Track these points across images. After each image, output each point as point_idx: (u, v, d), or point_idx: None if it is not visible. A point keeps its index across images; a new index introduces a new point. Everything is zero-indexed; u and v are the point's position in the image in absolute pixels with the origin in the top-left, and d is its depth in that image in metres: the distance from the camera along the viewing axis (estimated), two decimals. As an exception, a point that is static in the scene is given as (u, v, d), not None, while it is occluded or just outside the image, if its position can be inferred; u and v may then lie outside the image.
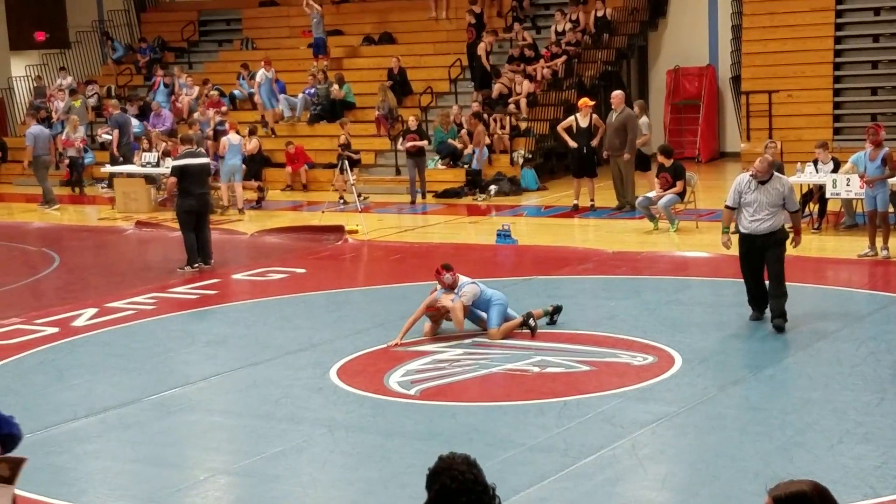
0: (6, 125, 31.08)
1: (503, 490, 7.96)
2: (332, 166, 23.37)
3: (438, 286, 12.22)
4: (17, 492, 8.49)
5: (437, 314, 12.16)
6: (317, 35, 28.14)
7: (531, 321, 12.11)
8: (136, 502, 8.18)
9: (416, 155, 22.06)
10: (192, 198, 16.23)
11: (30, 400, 10.79)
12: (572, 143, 20.52)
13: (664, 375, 10.54)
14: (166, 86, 28.45)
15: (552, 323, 12.41)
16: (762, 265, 11.93)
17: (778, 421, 9.23)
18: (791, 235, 12.30)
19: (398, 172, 24.47)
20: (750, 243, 11.89)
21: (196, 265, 16.31)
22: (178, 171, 16.17)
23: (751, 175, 11.84)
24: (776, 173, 11.98)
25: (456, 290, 12.09)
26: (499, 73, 25.46)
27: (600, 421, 9.36)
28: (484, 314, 12.15)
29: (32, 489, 8.45)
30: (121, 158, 24.65)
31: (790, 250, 12.40)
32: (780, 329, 11.71)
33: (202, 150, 18.08)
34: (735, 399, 9.84)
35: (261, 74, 23.42)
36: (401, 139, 22.64)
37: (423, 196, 22.33)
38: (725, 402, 9.75)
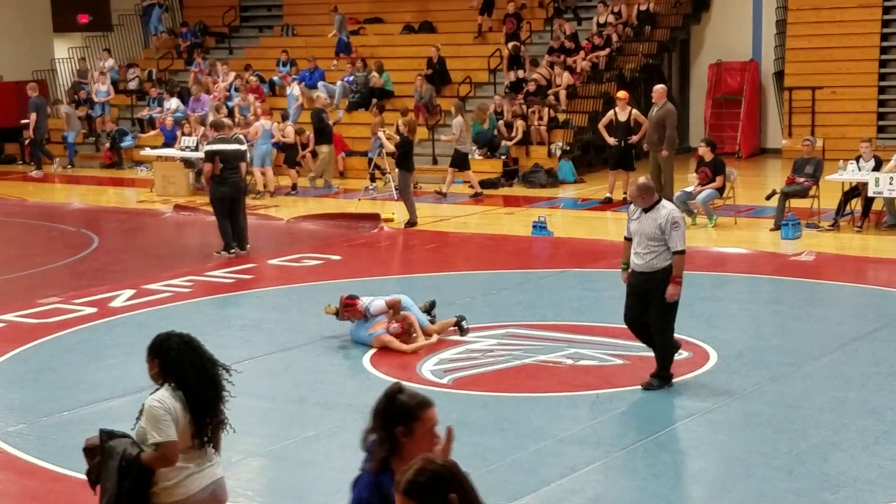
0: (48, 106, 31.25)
1: (534, 481, 7.99)
2: (365, 154, 23.46)
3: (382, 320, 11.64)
4: (54, 468, 8.60)
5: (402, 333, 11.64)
6: (340, 36, 28.22)
7: (464, 323, 11.90)
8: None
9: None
10: (226, 184, 16.26)
11: (67, 378, 10.88)
12: (611, 141, 20.40)
13: (699, 371, 10.49)
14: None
15: (462, 330, 11.88)
16: (644, 310, 9.99)
17: (813, 419, 9.17)
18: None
19: (435, 162, 24.46)
20: (631, 280, 10.08)
21: (232, 251, 16.37)
22: (211, 156, 16.20)
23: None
24: (665, 202, 10.04)
25: (373, 314, 11.58)
26: (537, 64, 25.39)
27: (633, 415, 9.34)
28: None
29: (67, 466, 8.53)
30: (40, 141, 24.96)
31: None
32: (647, 387, 9.94)
33: (240, 135, 18.10)
34: (770, 396, 9.78)
35: (258, 125, 22.74)
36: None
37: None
38: (760, 399, 9.69)
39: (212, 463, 5.59)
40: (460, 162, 21.86)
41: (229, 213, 16.45)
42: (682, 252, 9.83)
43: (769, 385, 10.07)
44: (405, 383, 4.69)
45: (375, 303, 11.63)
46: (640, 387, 9.92)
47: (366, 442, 4.48)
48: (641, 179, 10.24)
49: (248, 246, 16.73)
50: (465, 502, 3.72)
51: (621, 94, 21.00)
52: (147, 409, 5.42)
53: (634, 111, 20.50)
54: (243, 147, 17.10)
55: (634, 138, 20.26)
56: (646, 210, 9.90)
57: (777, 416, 9.29)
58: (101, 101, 28.69)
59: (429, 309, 12.13)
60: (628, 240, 10.11)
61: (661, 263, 9.80)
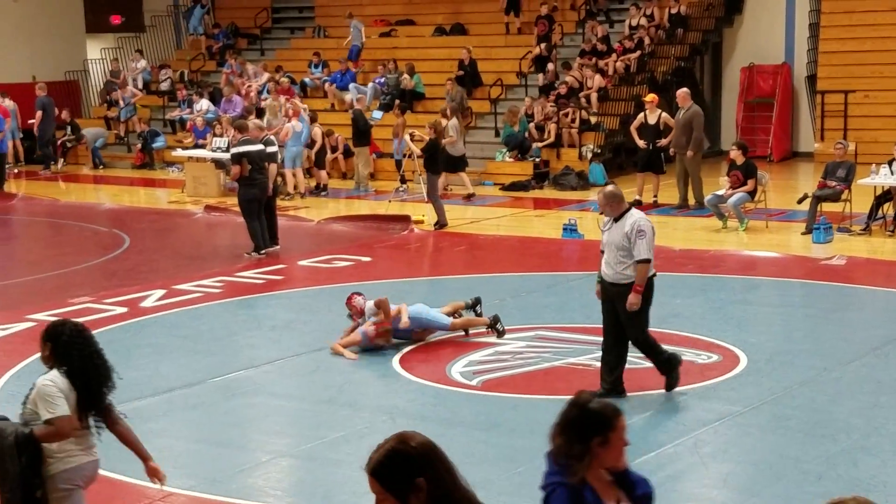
0: (80, 107, 31.48)
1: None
2: (389, 155, 23.54)
3: (360, 319, 11.61)
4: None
5: (384, 336, 11.58)
6: (354, 43, 28.24)
7: (499, 326, 11.86)
8: (198, 481, 8.26)
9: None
10: (255, 186, 16.32)
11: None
12: (641, 143, 20.35)
13: (729, 374, 10.45)
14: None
15: (498, 333, 11.84)
16: (617, 320, 9.85)
17: (844, 424, 9.11)
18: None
19: (466, 164, 24.45)
20: (604, 291, 9.92)
21: (263, 252, 16.43)
22: (238, 158, 16.23)
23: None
24: (634, 211, 9.89)
25: (367, 314, 11.56)
26: (569, 66, 25.37)
27: (662, 418, 9.31)
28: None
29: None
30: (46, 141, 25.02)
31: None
32: (669, 388, 9.95)
33: (271, 136, 18.15)
34: (800, 400, 9.73)
35: (288, 126, 22.77)
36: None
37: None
38: (790, 404, 9.64)
39: (90, 446, 6.07)
40: (455, 164, 21.89)
41: (259, 213, 16.53)
42: (647, 261, 9.58)
43: (799, 389, 10.01)
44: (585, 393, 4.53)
45: (369, 303, 11.62)
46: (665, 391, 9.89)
47: (556, 455, 4.31)
48: (609, 188, 10.09)
49: (279, 245, 16.82)
50: (437, 487, 3.59)
51: (650, 97, 20.95)
52: (39, 388, 5.81)
53: (664, 114, 20.43)
54: (274, 148, 17.15)
55: (663, 142, 20.18)
56: (616, 220, 9.72)
57: (807, 420, 9.24)
58: (123, 106, 28.74)
59: (473, 306, 12.19)
60: (602, 251, 9.90)
61: (629, 275, 9.60)
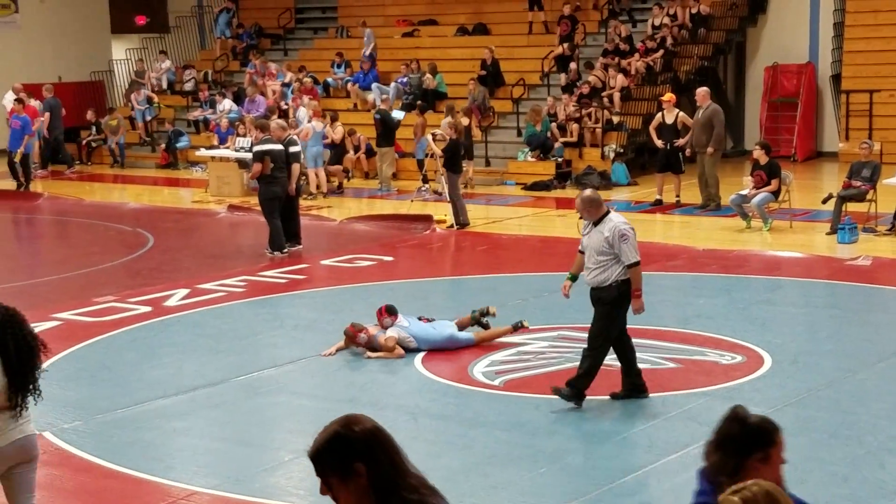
0: (105, 107, 31.61)
1: (585, 484, 7.96)
2: (409, 155, 23.56)
3: (373, 325, 11.56)
4: (108, 465, 8.69)
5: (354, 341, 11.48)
6: (366, 52, 28.25)
7: (487, 323, 11.80)
8: (221, 480, 8.29)
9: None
10: (277, 184, 16.37)
11: (122, 376, 11.00)
12: (659, 143, 20.31)
13: (753, 375, 10.41)
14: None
15: (484, 327, 11.85)
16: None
17: (869, 426, 9.06)
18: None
19: (488, 164, 24.47)
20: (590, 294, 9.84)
21: (285, 250, 16.46)
22: (260, 156, 16.27)
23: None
24: (612, 215, 9.77)
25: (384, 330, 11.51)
26: (592, 66, 25.33)
27: (685, 419, 9.28)
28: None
29: (121, 463, 8.62)
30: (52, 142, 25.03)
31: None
32: (556, 392, 9.68)
33: (294, 136, 18.18)
34: (825, 402, 9.68)
35: (309, 126, 22.86)
36: None
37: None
38: (815, 405, 9.59)
39: (23, 420, 6.26)
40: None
41: (281, 213, 16.60)
42: (636, 264, 9.49)
43: (824, 390, 9.96)
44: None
45: (390, 331, 11.44)
46: (609, 397, 9.74)
47: (711, 473, 4.22)
48: (586, 192, 9.99)
49: (301, 245, 16.87)
50: (377, 473, 3.58)
51: (667, 96, 20.90)
52: None
53: (681, 114, 20.39)
54: (297, 148, 17.20)
55: (680, 141, 20.14)
56: (595, 224, 9.63)
57: (832, 421, 9.19)
58: (141, 109, 28.75)
59: (479, 318, 12.01)
60: (582, 252, 9.78)
61: (609, 278, 9.49)
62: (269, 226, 16.55)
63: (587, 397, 9.78)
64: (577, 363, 9.67)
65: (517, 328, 11.77)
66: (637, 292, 9.52)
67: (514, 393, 10.07)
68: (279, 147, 16.48)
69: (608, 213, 9.75)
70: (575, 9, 27.07)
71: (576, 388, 9.58)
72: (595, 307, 9.66)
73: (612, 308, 9.53)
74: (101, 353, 11.74)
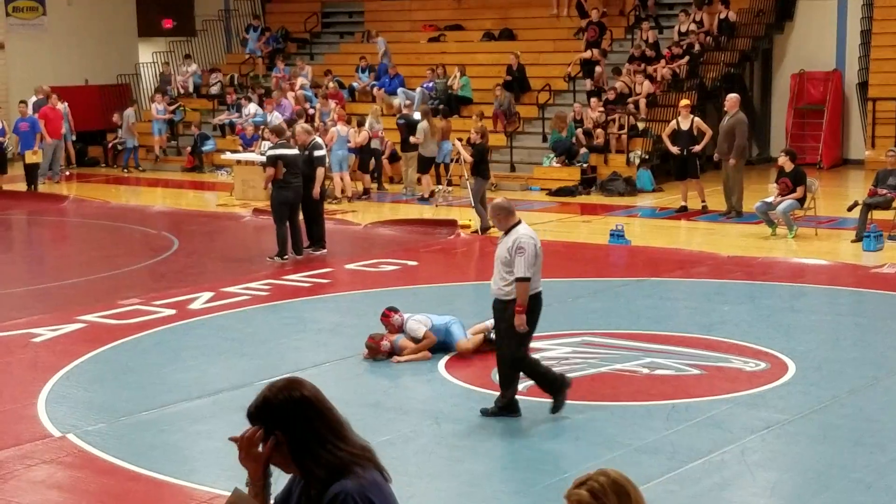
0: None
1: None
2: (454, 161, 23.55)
3: (387, 332, 11.57)
4: (132, 467, 8.73)
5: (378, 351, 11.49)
6: (383, 62, 28.29)
7: (492, 335, 11.38)
8: (244, 484, 8.29)
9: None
10: (290, 189, 16.38)
11: (146, 379, 11.04)
12: (674, 150, 20.25)
13: (777, 382, 10.38)
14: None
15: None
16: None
17: (893, 433, 9.03)
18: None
19: (513, 169, 24.48)
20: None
21: (287, 257, 16.48)
22: (274, 161, 16.27)
23: None
24: (521, 226, 9.45)
25: (404, 331, 11.54)
26: (619, 72, 25.30)
27: (709, 425, 9.25)
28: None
29: (145, 466, 8.65)
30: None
31: None
32: (483, 412, 9.57)
33: (318, 139, 18.21)
34: (849, 409, 9.64)
35: (334, 131, 22.94)
36: None
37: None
38: (839, 412, 9.55)
39: None
40: (425, 166, 22.28)
41: (305, 217, 16.65)
42: (525, 279, 9.19)
43: (848, 398, 9.92)
44: None
45: (411, 322, 11.50)
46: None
47: None
48: (496, 200, 9.82)
49: (325, 250, 16.92)
50: (296, 444, 3.64)
51: (684, 102, 20.85)
52: None
53: (697, 119, 20.35)
54: (322, 152, 17.25)
55: (697, 148, 20.10)
56: (506, 233, 9.43)
57: (856, 429, 9.15)
58: (159, 118, 28.64)
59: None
60: None
61: (508, 293, 9.28)
62: (277, 231, 16.53)
63: (608, 403, 9.77)
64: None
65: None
66: (520, 308, 9.25)
67: (537, 398, 10.05)
68: (293, 152, 16.52)
69: (518, 223, 9.51)
70: (602, 15, 27.05)
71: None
72: (496, 321, 9.51)
73: (511, 329, 9.32)
74: (126, 356, 11.79)
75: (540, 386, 9.65)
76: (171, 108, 29.11)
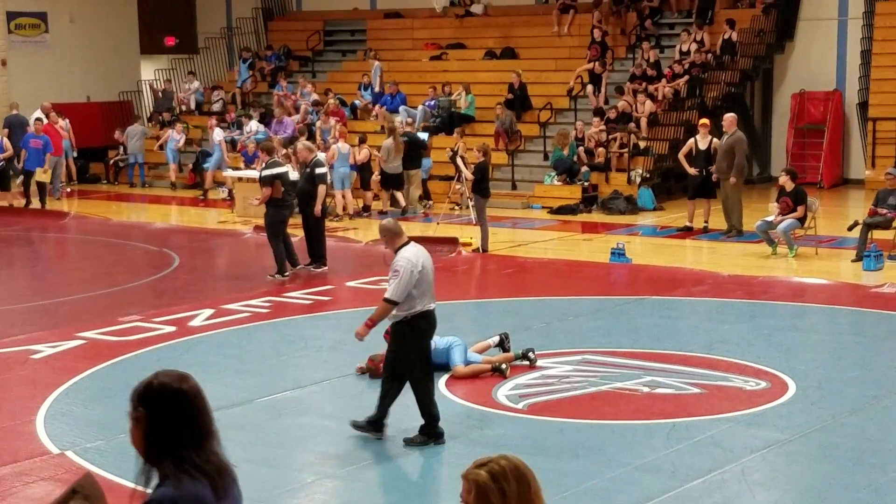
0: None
1: (608, 509, 7.93)
2: (448, 178, 23.52)
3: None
4: (130, 484, 8.69)
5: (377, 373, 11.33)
6: (374, 85, 28.34)
7: (503, 366, 11.39)
8: (245, 501, 8.27)
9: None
10: (286, 207, 16.59)
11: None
12: (692, 171, 20.16)
13: (777, 401, 10.36)
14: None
15: (531, 362, 11.62)
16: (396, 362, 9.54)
17: (893, 453, 9.03)
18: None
19: (514, 187, 24.50)
20: None
21: (287, 273, 16.51)
22: (270, 180, 16.33)
23: None
24: (408, 247, 9.47)
25: None
26: (622, 91, 25.35)
27: (709, 444, 9.24)
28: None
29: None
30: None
31: None
32: (407, 442, 9.45)
33: (320, 157, 18.24)
34: (850, 429, 9.63)
35: (335, 148, 23.13)
36: None
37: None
38: (840, 432, 9.54)
39: None
40: (393, 182, 22.68)
41: (306, 234, 16.86)
42: (389, 302, 9.17)
43: (849, 417, 9.91)
44: None
45: None
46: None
47: None
48: (383, 221, 9.84)
49: (326, 267, 16.93)
50: (154, 427, 3.68)
51: (704, 120, 20.80)
52: None
53: (715, 140, 20.30)
54: (324, 169, 17.29)
55: (714, 167, 20.07)
56: (395, 254, 9.38)
57: (856, 448, 9.14)
58: (175, 147, 28.49)
59: (500, 343, 12.01)
60: None
61: (400, 313, 9.27)
62: (273, 248, 16.58)
63: (609, 422, 9.76)
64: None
65: (526, 355, 11.70)
66: (369, 322, 9.34)
67: (538, 417, 10.05)
68: (286, 169, 16.82)
69: (407, 243, 9.50)
70: (603, 34, 27.11)
71: (427, 430, 9.40)
72: (390, 342, 9.50)
73: (407, 344, 9.33)
74: (125, 373, 11.77)
75: (379, 409, 9.48)
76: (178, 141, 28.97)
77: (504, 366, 11.38)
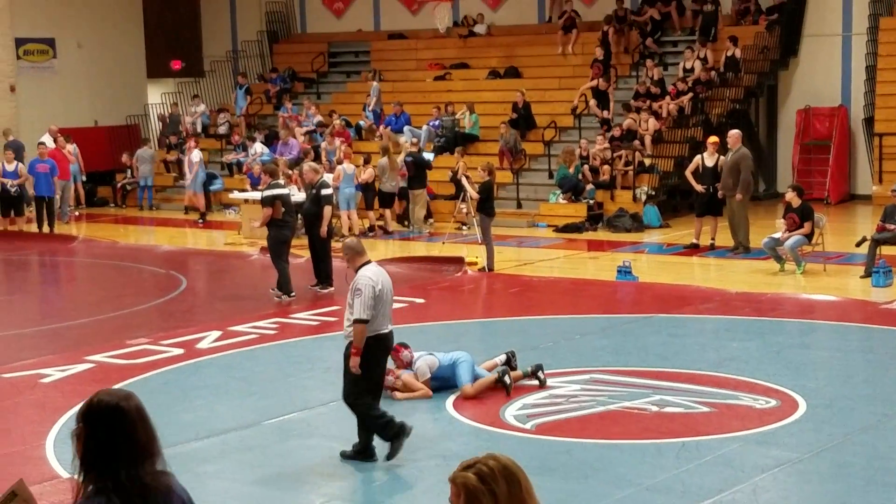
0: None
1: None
2: (453, 197, 23.53)
3: (395, 367, 11.47)
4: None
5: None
6: (370, 105, 28.39)
7: (506, 378, 11.37)
8: (252, 524, 8.26)
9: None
10: (287, 227, 16.68)
11: (154, 419, 10.96)
12: (699, 188, 20.12)
13: (787, 420, 10.32)
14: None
15: (541, 382, 11.60)
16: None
17: (905, 471, 8.97)
18: None
19: (519, 206, 24.50)
20: None
21: (293, 294, 16.53)
22: (271, 201, 16.39)
23: None
24: (368, 267, 9.49)
25: (412, 367, 11.53)
26: (629, 108, 25.37)
27: (720, 463, 9.20)
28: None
29: (153, 506, 8.58)
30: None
31: None
32: (343, 455, 9.58)
33: (326, 179, 18.29)
34: (862, 447, 9.58)
35: (340, 169, 22.98)
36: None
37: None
38: (851, 450, 9.50)
39: None
40: (388, 201, 23.07)
41: (312, 255, 17.02)
42: (361, 321, 9.14)
43: (860, 435, 9.86)
44: None
45: (420, 361, 11.51)
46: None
47: None
48: (347, 240, 9.89)
49: (333, 287, 16.93)
50: (91, 443, 3.69)
51: (713, 138, 20.74)
52: None
53: (721, 157, 20.26)
54: (329, 190, 17.33)
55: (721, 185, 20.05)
56: (356, 273, 9.39)
57: (868, 467, 9.10)
58: (194, 167, 28.38)
59: (507, 361, 11.99)
60: None
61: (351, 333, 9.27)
62: (277, 269, 16.63)
63: (618, 441, 9.73)
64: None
65: (535, 373, 11.69)
66: (354, 350, 9.22)
67: (546, 437, 10.02)
68: (287, 191, 17.02)
69: (367, 263, 9.53)
70: (606, 52, 27.13)
71: (360, 445, 9.44)
72: (344, 362, 9.43)
73: (362, 363, 9.24)
74: (134, 396, 11.75)
75: (375, 432, 9.46)
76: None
77: (507, 377, 11.36)
